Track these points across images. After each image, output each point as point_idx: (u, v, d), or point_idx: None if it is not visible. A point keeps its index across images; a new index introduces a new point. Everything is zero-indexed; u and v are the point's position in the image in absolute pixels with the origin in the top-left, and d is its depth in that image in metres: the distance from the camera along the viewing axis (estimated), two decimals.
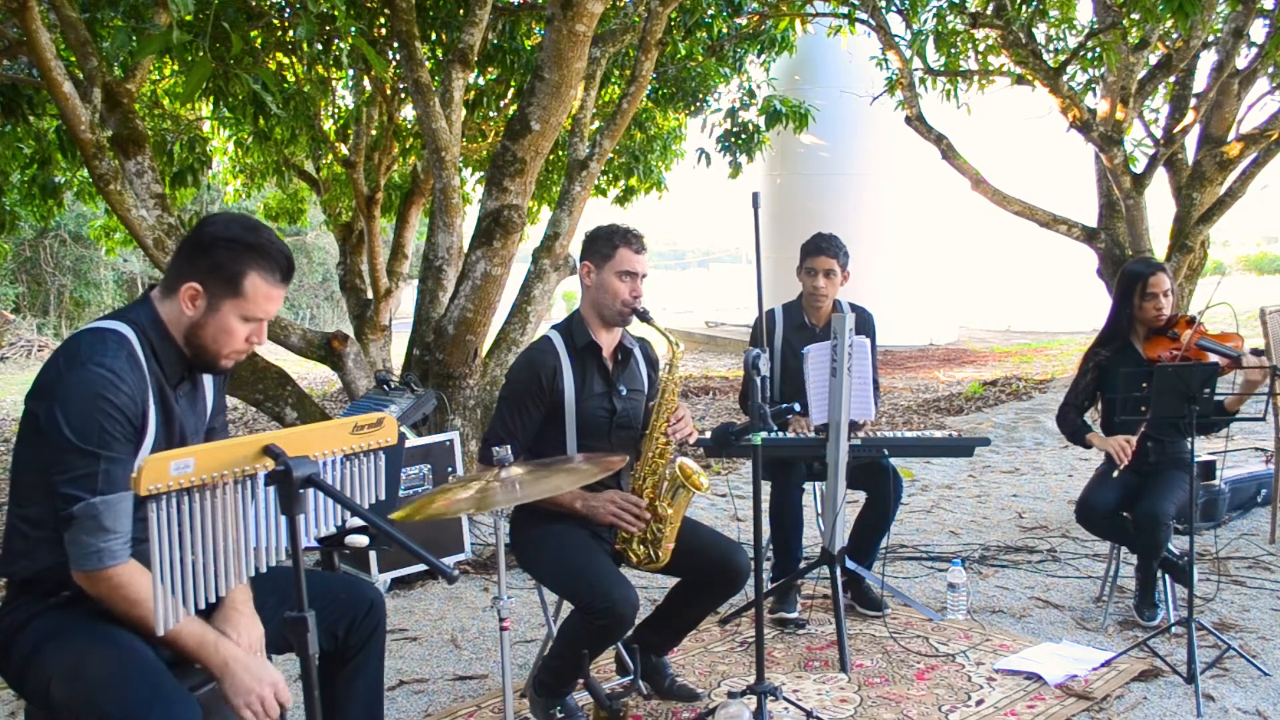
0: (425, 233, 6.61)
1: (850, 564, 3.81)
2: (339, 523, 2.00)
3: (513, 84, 8.24)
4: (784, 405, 3.37)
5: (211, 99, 7.16)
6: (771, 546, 3.96)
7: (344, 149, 8.95)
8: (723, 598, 3.13)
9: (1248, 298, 10.09)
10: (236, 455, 1.76)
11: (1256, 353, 3.76)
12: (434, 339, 5.58)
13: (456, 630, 3.96)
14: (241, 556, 1.80)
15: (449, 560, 4.52)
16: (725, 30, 8.51)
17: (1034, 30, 7.75)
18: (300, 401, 5.55)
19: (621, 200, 10.14)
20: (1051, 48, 8.64)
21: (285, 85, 7.79)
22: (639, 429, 3.09)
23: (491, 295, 5.50)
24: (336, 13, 4.68)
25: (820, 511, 4.26)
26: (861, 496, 4.00)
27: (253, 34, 6.67)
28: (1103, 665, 3.39)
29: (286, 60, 7.98)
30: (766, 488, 3.90)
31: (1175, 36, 7.53)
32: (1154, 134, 8.80)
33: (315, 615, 1.79)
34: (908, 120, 8.40)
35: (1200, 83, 8.11)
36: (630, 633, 3.00)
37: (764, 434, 2.89)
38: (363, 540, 2.45)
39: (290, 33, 7.04)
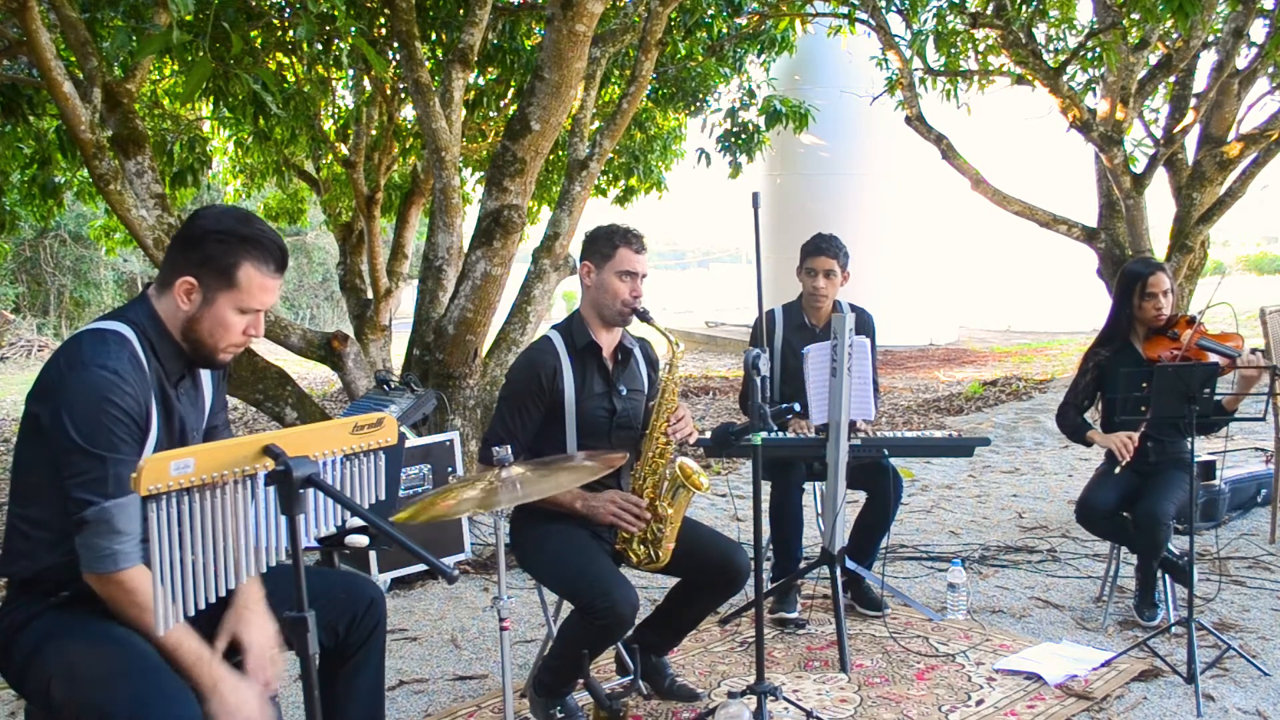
0: (425, 233, 6.61)
1: (850, 564, 3.81)
2: (339, 523, 2.00)
3: (513, 84, 8.24)
4: (784, 405, 3.37)
5: (211, 99, 7.16)
6: (771, 546, 3.96)
7: (344, 149, 8.95)
8: (723, 598, 3.13)
9: (1248, 298, 10.08)
10: (236, 455, 1.75)
11: (1256, 353, 3.76)
12: (434, 339, 5.58)
13: (456, 630, 3.96)
14: (242, 557, 1.80)
15: (449, 560, 4.52)
16: (725, 30, 8.51)
17: (1034, 30, 7.75)
18: (300, 401, 5.55)
19: (621, 200, 10.14)
20: (1051, 48, 8.64)
21: (285, 85, 7.79)
22: (639, 429, 3.09)
23: (491, 295, 5.51)
24: (336, 13, 4.68)
25: (820, 511, 4.26)
26: (861, 496, 4.00)
27: (253, 34, 6.66)
28: (1103, 665, 3.39)
29: (286, 60, 7.98)
30: (766, 488, 3.90)
31: (1175, 36, 7.52)
32: (1154, 134, 8.80)
33: (315, 613, 1.79)
34: (908, 120, 8.40)
35: (1200, 83, 8.11)
36: (630, 633, 3.00)
37: (764, 434, 2.89)
38: (363, 540, 2.45)
39: (290, 33, 7.04)
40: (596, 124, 7.25)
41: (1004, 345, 15.25)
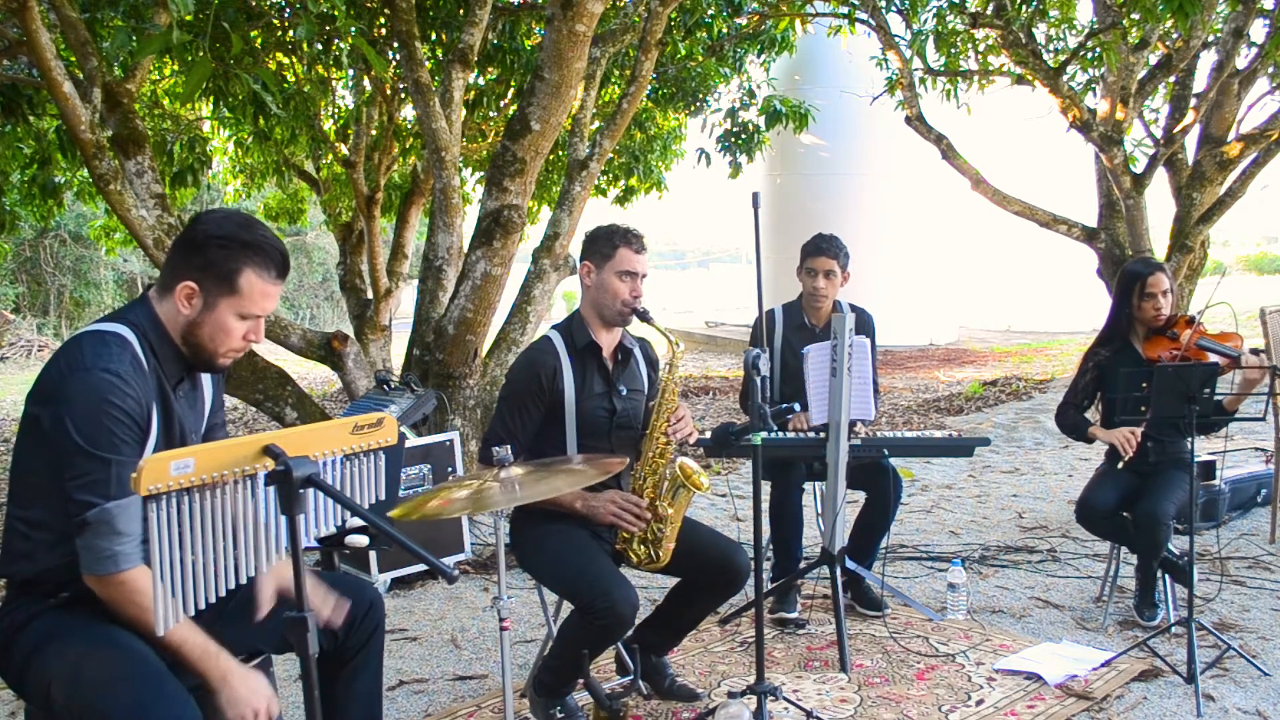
0: (425, 233, 6.61)
1: (850, 564, 3.81)
2: (339, 523, 2.00)
3: (513, 84, 8.24)
4: (784, 405, 3.37)
5: (211, 99, 7.16)
6: (771, 546, 3.96)
7: (344, 149, 8.95)
8: (723, 598, 3.13)
9: (1248, 298, 10.08)
10: (236, 455, 1.75)
11: (1256, 353, 3.76)
12: (434, 339, 5.58)
13: (456, 630, 3.96)
14: (242, 557, 1.80)
15: (449, 560, 4.52)
16: (725, 30, 8.51)
17: (1034, 30, 7.74)
18: (300, 401, 5.55)
19: (621, 200, 10.14)
20: (1051, 48, 8.64)
21: (285, 85, 7.79)
22: (639, 429, 3.09)
23: (491, 295, 5.51)
24: (336, 13, 4.68)
25: (820, 511, 4.26)
26: (861, 496, 4.00)
27: (253, 34, 6.67)
28: (1103, 665, 3.39)
29: (286, 60, 7.98)
30: (766, 488, 3.90)
31: (1175, 36, 7.52)
32: (1154, 134, 8.80)
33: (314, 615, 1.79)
34: (908, 120, 8.39)
35: (1200, 83, 8.10)
36: (630, 633, 3.00)
37: (764, 434, 2.89)
38: (363, 540, 2.46)
39: (290, 33, 7.04)
40: (596, 124, 7.25)
41: (1004, 345, 15.25)
